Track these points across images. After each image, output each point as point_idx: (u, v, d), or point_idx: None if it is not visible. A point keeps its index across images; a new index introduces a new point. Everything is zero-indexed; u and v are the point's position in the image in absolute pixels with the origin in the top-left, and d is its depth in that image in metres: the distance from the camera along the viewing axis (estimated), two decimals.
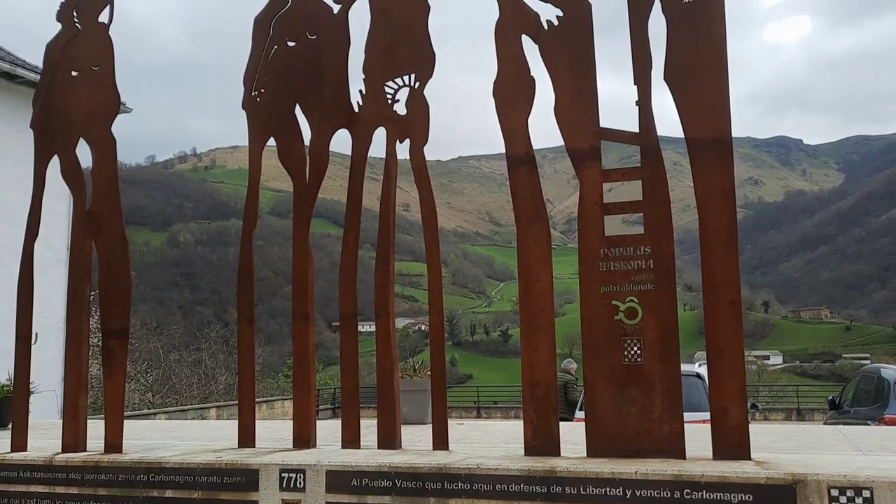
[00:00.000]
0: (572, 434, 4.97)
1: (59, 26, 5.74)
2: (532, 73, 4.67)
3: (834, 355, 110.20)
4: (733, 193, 4.24)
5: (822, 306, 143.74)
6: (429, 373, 7.82)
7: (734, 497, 3.64)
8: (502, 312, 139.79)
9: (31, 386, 6.99)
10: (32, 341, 5.67)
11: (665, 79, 4.37)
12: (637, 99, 4.42)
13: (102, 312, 5.36)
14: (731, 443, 4.08)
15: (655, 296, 4.29)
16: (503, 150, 4.70)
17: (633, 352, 4.29)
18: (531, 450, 4.43)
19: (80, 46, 5.63)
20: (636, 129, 4.42)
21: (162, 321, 40.34)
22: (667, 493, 3.75)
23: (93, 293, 5.72)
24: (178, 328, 32.44)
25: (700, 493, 3.70)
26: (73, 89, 5.61)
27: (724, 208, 4.22)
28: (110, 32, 5.60)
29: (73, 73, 5.62)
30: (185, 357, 27.86)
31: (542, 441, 4.43)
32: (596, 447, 4.29)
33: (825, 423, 11.67)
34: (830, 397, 12.03)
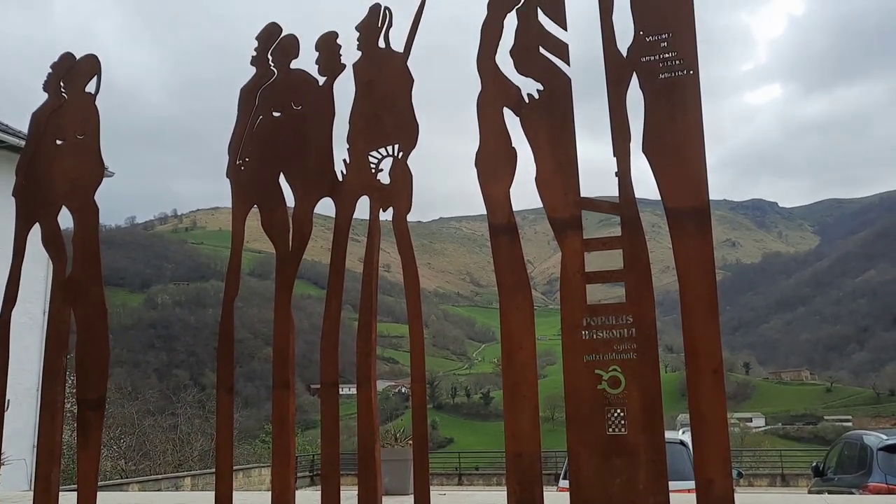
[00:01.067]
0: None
1: (45, 95, 5.80)
2: (514, 145, 4.76)
3: (816, 417, 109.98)
4: (712, 263, 4.31)
5: (802, 367, 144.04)
6: (410, 442, 7.71)
7: None
8: (483, 374, 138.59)
9: (2, 457, 6.82)
10: (6, 410, 5.54)
11: (643, 150, 4.47)
12: (616, 170, 4.51)
13: (79, 381, 5.27)
14: None
15: (638, 364, 4.30)
16: (484, 212, 4.75)
17: (616, 422, 4.27)
18: None
19: (65, 115, 5.67)
20: (616, 194, 4.50)
21: (137, 384, 39.56)
22: None
23: (69, 355, 5.63)
24: (154, 392, 31.81)
25: None
26: (58, 157, 5.64)
27: (703, 277, 4.28)
28: (96, 102, 5.66)
29: (58, 142, 5.65)
30: (160, 422, 27.24)
31: None
32: None
33: (810, 491, 11.58)
34: (814, 464, 11.94)
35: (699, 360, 4.19)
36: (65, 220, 5.68)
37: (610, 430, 4.27)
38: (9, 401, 7.12)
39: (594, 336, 4.40)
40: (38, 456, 5.24)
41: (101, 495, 9.51)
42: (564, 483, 8.17)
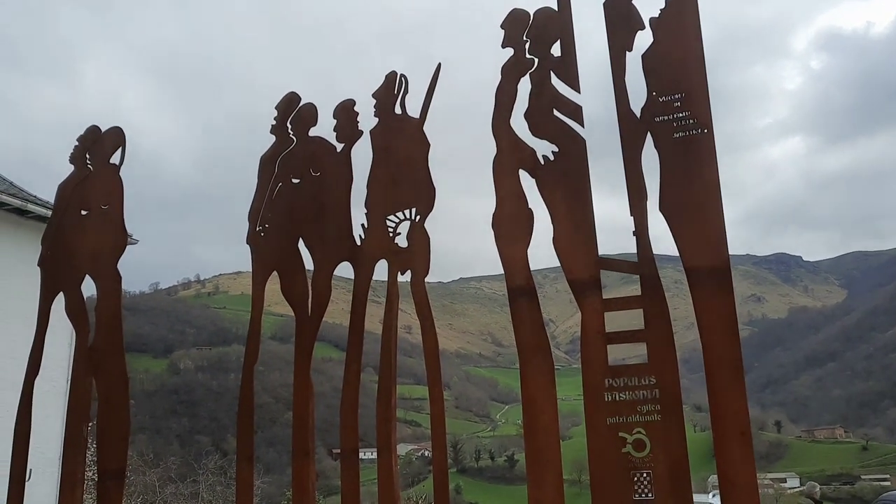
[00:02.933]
0: None
1: (71, 167, 5.94)
2: (530, 206, 4.78)
3: (852, 476, 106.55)
4: (735, 322, 4.24)
5: (835, 425, 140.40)
6: None
7: None
8: (508, 437, 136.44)
9: None
10: (27, 479, 5.52)
11: (660, 209, 4.46)
12: (634, 230, 4.50)
13: (100, 451, 5.24)
14: None
15: (663, 426, 4.20)
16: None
17: (643, 486, 4.16)
18: None
19: (90, 186, 5.80)
20: (635, 251, 4.48)
21: (159, 451, 39.30)
22: None
23: (91, 424, 5.62)
24: (176, 459, 31.55)
25: None
26: (82, 228, 5.74)
27: (727, 338, 4.21)
28: (121, 173, 5.79)
29: (83, 213, 5.76)
30: (182, 490, 26.94)
31: None
32: None
33: None
34: None
35: (725, 423, 4.09)
36: (88, 288, 5.75)
37: (636, 495, 4.16)
38: (31, 470, 7.08)
39: (617, 398, 4.32)
40: None
41: None
42: None
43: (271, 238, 5.47)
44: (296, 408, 5.12)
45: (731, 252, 4.39)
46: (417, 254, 5.07)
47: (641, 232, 4.49)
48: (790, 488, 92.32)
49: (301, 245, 5.45)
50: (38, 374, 5.63)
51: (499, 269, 4.75)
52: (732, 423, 4.08)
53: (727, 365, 4.16)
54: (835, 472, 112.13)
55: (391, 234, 5.18)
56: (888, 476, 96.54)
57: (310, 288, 5.31)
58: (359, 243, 5.26)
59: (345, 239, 5.29)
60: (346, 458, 4.96)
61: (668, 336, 4.34)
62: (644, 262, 4.45)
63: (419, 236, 5.11)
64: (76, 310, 5.58)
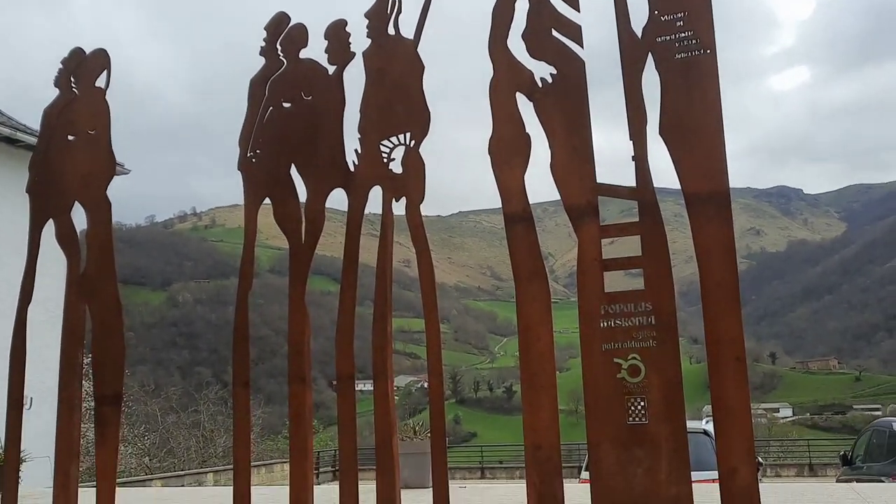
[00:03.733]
0: (578, 497, 4.80)
1: (56, 91, 5.79)
2: (528, 131, 4.66)
3: (845, 406, 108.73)
4: (733, 247, 4.19)
5: (830, 357, 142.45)
6: (429, 435, 7.65)
7: None
8: (506, 368, 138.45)
9: (22, 454, 6.84)
10: (27, 406, 5.56)
11: (660, 133, 4.36)
12: (633, 154, 4.40)
13: (95, 378, 5.26)
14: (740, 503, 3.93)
15: (658, 353, 4.20)
16: None
17: (637, 411, 4.18)
18: None
19: (76, 111, 5.66)
20: (634, 184, 4.40)
21: (160, 382, 39.96)
22: None
23: (87, 358, 5.63)
24: (177, 390, 32.06)
25: None
26: (69, 153, 5.63)
27: (724, 263, 4.16)
28: (107, 97, 5.64)
29: (70, 138, 5.64)
30: (184, 419, 27.47)
31: None
32: None
33: (838, 480, 11.38)
34: (842, 453, 11.75)
35: (721, 348, 4.08)
36: (80, 218, 5.66)
37: (630, 419, 4.18)
38: (31, 398, 7.12)
39: (612, 324, 4.30)
40: (56, 452, 5.24)
41: (123, 491, 9.56)
42: (586, 475, 8.06)
43: (263, 164, 5.37)
44: (291, 335, 5.11)
45: (731, 185, 4.30)
46: (412, 179, 4.97)
47: (640, 157, 4.39)
48: (783, 418, 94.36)
49: (294, 171, 5.34)
50: (30, 301, 5.60)
51: (498, 203, 4.66)
52: (728, 349, 4.06)
53: (724, 290, 4.12)
54: (827, 402, 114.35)
55: (385, 160, 5.07)
56: (880, 406, 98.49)
57: (303, 215, 5.23)
58: (352, 169, 5.16)
59: (338, 165, 5.19)
60: (343, 384, 4.97)
61: (666, 262, 4.29)
62: (643, 188, 4.37)
63: (414, 162, 5.01)
64: (67, 236, 5.52)
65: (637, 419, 4.17)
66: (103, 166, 5.52)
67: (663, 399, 4.14)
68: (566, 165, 4.54)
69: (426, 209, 5.02)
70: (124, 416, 25.45)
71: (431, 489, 4.76)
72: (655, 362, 4.19)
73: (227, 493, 5.42)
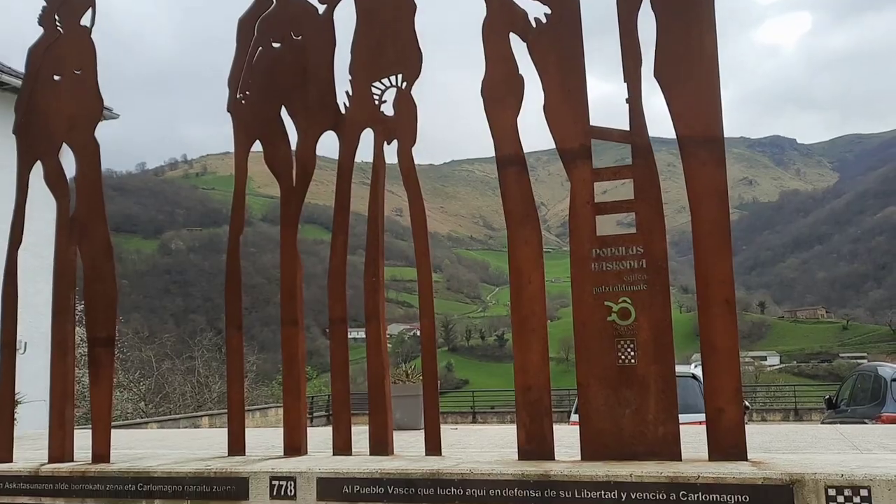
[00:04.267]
0: (567, 438, 4.89)
1: (41, 30, 5.66)
2: (521, 72, 4.60)
3: (831, 355, 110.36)
4: (726, 191, 4.19)
5: (818, 306, 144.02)
6: (421, 378, 7.74)
7: (730, 498, 3.58)
8: (498, 317, 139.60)
9: (17, 395, 6.90)
10: (20, 350, 5.59)
11: (655, 75, 4.31)
12: (627, 96, 4.36)
13: (88, 320, 5.27)
14: (726, 444, 4.01)
15: (648, 296, 4.23)
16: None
17: (626, 353, 4.23)
18: (525, 454, 4.36)
19: (61, 50, 5.55)
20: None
21: (155, 329, 40.12)
22: (662, 496, 3.68)
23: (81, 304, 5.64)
24: (171, 336, 32.23)
25: (696, 495, 3.63)
26: (56, 94, 5.53)
27: (716, 206, 4.17)
28: (93, 36, 5.53)
29: (56, 78, 5.54)
30: (178, 366, 27.67)
31: (535, 445, 4.36)
32: (590, 450, 4.23)
33: (822, 423, 11.62)
34: (827, 396, 11.98)
35: (711, 290, 4.11)
36: (70, 162, 5.59)
37: (620, 361, 4.23)
38: (25, 343, 7.15)
39: (604, 268, 4.32)
40: (51, 394, 5.28)
41: (118, 432, 9.69)
42: (575, 417, 8.18)
43: (252, 105, 5.30)
44: (283, 279, 5.12)
45: (725, 135, 4.28)
46: (404, 121, 4.93)
47: (634, 98, 4.36)
48: (770, 366, 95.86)
49: (285, 114, 5.27)
50: (20, 243, 5.57)
51: (491, 152, 4.63)
52: (717, 292, 4.10)
53: (715, 233, 4.14)
54: (814, 350, 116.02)
55: (376, 102, 5.01)
56: (865, 354, 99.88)
57: (293, 157, 5.19)
58: (343, 111, 5.09)
59: (328, 106, 5.12)
60: (334, 328, 5.00)
61: (658, 206, 4.29)
62: (636, 131, 4.35)
63: (405, 103, 4.95)
64: (55, 178, 5.47)
65: (626, 360, 4.22)
66: (90, 107, 5.44)
67: (653, 341, 4.19)
68: (560, 107, 4.50)
69: (418, 157, 4.99)
70: (119, 363, 25.68)
71: (423, 430, 4.83)
72: (646, 305, 4.22)
73: (222, 434, 5.50)
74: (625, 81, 4.37)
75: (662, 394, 4.15)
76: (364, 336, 4.93)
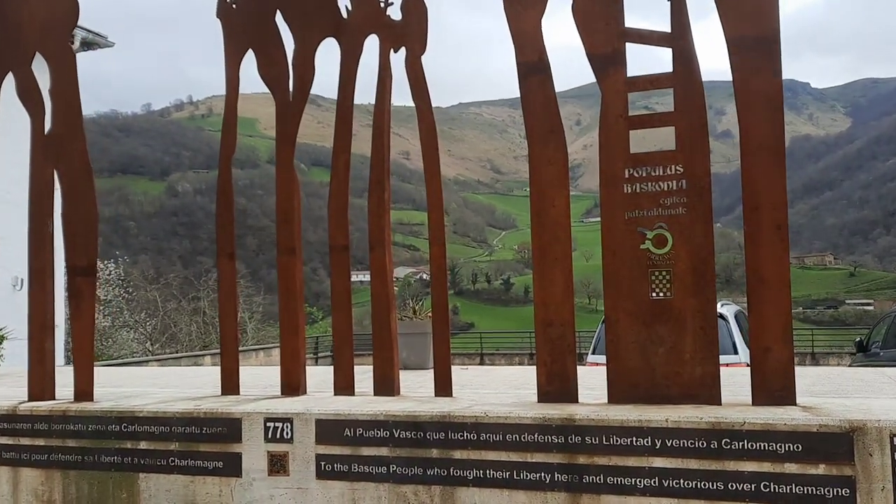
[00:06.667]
0: (589, 379, 4.48)
1: None
2: None
3: (837, 301, 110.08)
4: (780, 101, 3.67)
5: (826, 252, 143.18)
6: (429, 315, 7.33)
7: (781, 447, 3.17)
8: (504, 261, 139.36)
9: (2, 331, 6.53)
10: (16, 286, 5.18)
11: None
12: None
13: (67, 247, 4.82)
14: (774, 387, 3.59)
15: (688, 221, 3.75)
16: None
17: (661, 285, 3.77)
18: (545, 396, 3.95)
19: None
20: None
21: (162, 271, 39.93)
22: (702, 443, 3.28)
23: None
24: (177, 276, 32.01)
25: (741, 443, 3.22)
26: None
27: (769, 118, 3.66)
28: None
29: None
30: (185, 306, 27.51)
31: (557, 386, 3.94)
32: (618, 392, 3.81)
33: (852, 366, 11.24)
34: (858, 339, 11.57)
35: (761, 214, 3.63)
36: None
37: (653, 294, 3.78)
38: (21, 280, 6.75)
39: (637, 189, 3.84)
40: (29, 326, 4.87)
41: (117, 370, 9.38)
42: (594, 358, 7.81)
43: (244, 10, 4.74)
44: (279, 202, 4.65)
45: (779, 32, 3.73)
46: (413, 26, 4.38)
47: None
48: None
49: (280, 19, 4.72)
50: None
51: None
52: (769, 216, 3.62)
53: (767, 150, 3.64)
54: (821, 296, 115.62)
55: (382, 5, 4.46)
56: (872, 301, 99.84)
57: (290, 67, 4.65)
58: (345, 15, 4.54)
59: (328, 10, 4.57)
60: (336, 255, 4.54)
61: (701, 118, 3.78)
62: (678, 32, 3.82)
63: (415, 6, 4.40)
64: (28, 91, 4.92)
65: (661, 293, 3.77)
66: (64, 11, 4.88)
67: (692, 271, 3.73)
68: (590, 8, 3.96)
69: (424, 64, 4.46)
70: (125, 303, 25.52)
71: (432, 371, 4.43)
72: (685, 232, 3.75)
73: (219, 372, 5.12)
74: None
75: (701, 330, 3.71)
76: (366, 279, 4.49)
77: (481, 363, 25.25)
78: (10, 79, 5.01)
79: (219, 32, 4.80)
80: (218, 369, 4.86)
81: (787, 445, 3.16)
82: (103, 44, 13.83)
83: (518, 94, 4.08)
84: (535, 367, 4.05)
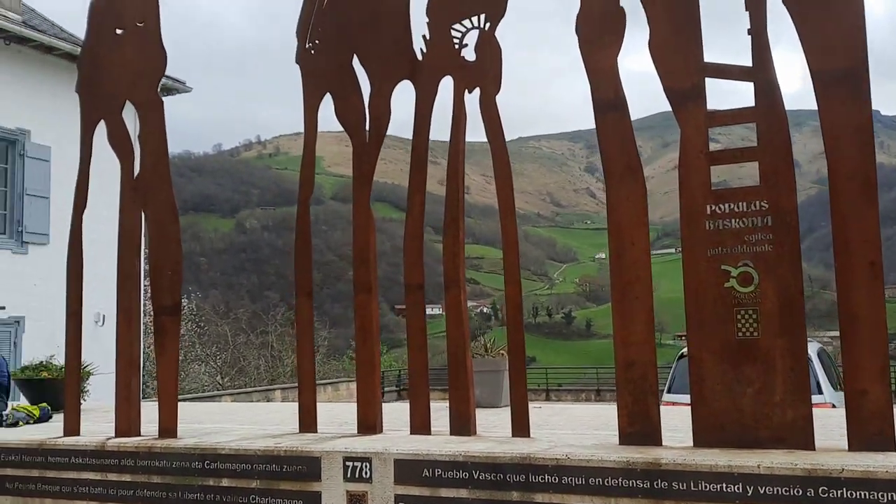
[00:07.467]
0: (668, 420, 4.36)
1: None
2: (621, 4, 4.05)
3: None
4: (870, 133, 3.56)
5: None
6: (502, 352, 7.26)
7: (883, 496, 3.01)
8: (565, 294, 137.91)
9: (88, 367, 6.75)
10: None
11: (784, 1, 3.70)
12: (749, 27, 3.76)
13: (153, 288, 4.99)
14: (870, 431, 3.43)
15: (775, 257, 3.65)
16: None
17: (748, 324, 3.67)
18: (627, 438, 3.86)
19: (124, 2, 5.23)
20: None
21: (231, 305, 40.89)
22: (797, 491, 3.14)
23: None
24: (246, 311, 32.73)
25: (839, 492, 3.08)
26: (118, 48, 5.20)
27: (858, 151, 3.56)
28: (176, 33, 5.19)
29: (118, 31, 5.23)
30: (253, 340, 28.08)
31: (639, 428, 3.85)
32: (704, 435, 3.70)
33: None
34: None
35: (852, 251, 3.51)
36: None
37: (739, 334, 3.67)
38: (104, 315, 6.95)
39: (720, 226, 3.76)
40: (117, 364, 5.03)
41: (192, 405, 9.58)
42: (670, 397, 7.62)
43: (322, 55, 4.87)
44: (356, 241, 4.71)
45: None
46: (487, 67, 4.43)
47: (758, 28, 3.75)
48: None
49: (357, 63, 4.84)
50: (85, 208, 5.32)
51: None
52: (860, 252, 3.50)
53: (858, 183, 3.53)
54: None
55: (457, 46, 4.53)
56: None
57: (367, 110, 4.74)
58: (420, 57, 4.63)
59: (404, 53, 4.66)
60: (412, 294, 4.56)
61: (786, 152, 3.69)
62: (760, 65, 3.75)
63: (489, 47, 4.45)
64: (118, 137, 5.16)
65: (747, 333, 3.67)
66: (154, 62, 5.11)
67: (779, 310, 3.62)
68: (668, 43, 3.94)
69: (483, 134, 4.48)
70: (197, 337, 26.20)
71: (506, 408, 4.38)
72: (772, 269, 3.65)
73: (292, 408, 5.18)
74: (746, 10, 3.76)
75: (791, 372, 3.58)
76: (436, 312, 4.49)
77: (547, 398, 24.91)
78: (100, 124, 5.26)
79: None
80: (289, 405, 4.91)
81: (889, 495, 3.01)
82: (182, 89, 14.39)
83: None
84: (606, 404, 3.97)
